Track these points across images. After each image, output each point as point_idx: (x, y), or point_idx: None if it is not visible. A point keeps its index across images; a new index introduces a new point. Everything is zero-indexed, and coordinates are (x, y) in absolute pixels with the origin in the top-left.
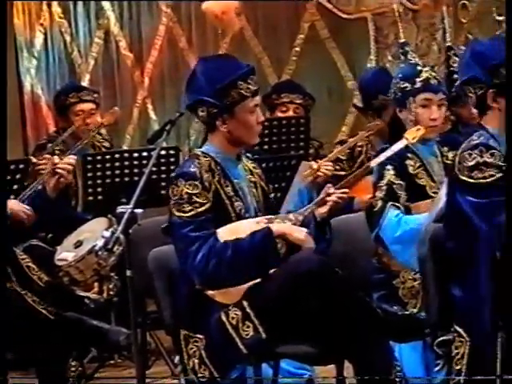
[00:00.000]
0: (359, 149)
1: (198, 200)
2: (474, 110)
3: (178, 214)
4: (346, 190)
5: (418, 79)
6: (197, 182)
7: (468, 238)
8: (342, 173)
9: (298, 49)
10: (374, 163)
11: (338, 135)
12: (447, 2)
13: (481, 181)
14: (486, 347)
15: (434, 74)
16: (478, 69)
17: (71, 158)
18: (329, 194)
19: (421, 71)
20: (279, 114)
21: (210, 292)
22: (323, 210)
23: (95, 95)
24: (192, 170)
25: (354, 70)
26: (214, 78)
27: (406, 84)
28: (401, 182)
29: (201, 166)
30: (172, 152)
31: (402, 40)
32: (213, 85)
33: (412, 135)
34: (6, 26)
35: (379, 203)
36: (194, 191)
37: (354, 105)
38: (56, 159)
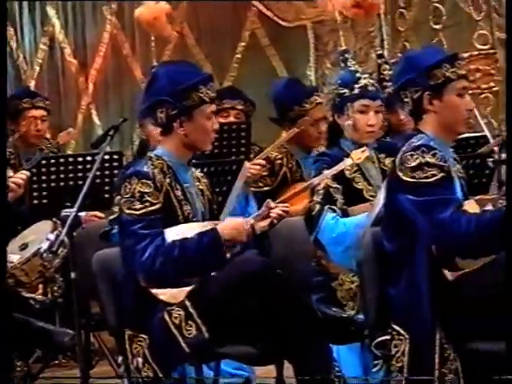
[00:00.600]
0: (279, 161)
1: (149, 199)
2: (403, 117)
3: (128, 211)
4: (287, 205)
5: (356, 86)
6: (149, 182)
7: (408, 236)
8: (266, 188)
9: (239, 56)
10: (317, 180)
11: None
12: (385, 11)
13: (423, 180)
14: (424, 343)
15: (372, 81)
16: (414, 73)
17: (24, 174)
18: (271, 208)
19: (359, 78)
20: (221, 120)
21: (153, 291)
22: (264, 223)
23: (47, 102)
24: (146, 169)
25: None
26: (175, 79)
27: (345, 90)
28: (338, 186)
29: (154, 167)
30: (115, 156)
31: (343, 47)
32: (174, 86)
33: (357, 156)
34: (6, 26)
35: (317, 207)
36: (146, 190)
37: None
38: (10, 172)
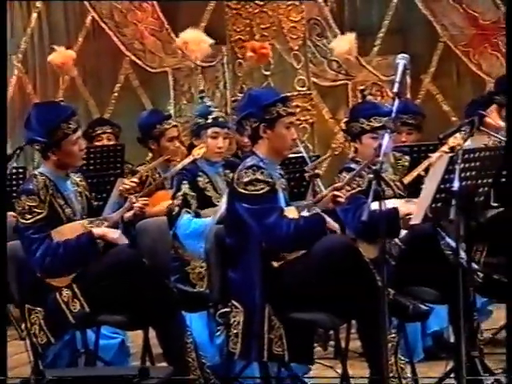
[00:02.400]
0: (146, 173)
1: (36, 210)
2: (246, 140)
3: (21, 221)
4: (146, 199)
5: (210, 117)
6: (35, 197)
7: (243, 234)
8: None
9: (116, 94)
10: (169, 174)
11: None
12: (227, 60)
13: (254, 192)
14: (256, 315)
15: (222, 113)
16: (254, 108)
17: None
18: (134, 203)
19: (212, 111)
20: (96, 143)
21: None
22: (128, 214)
23: None
24: (31, 187)
25: None
26: (43, 121)
27: (201, 120)
28: (193, 194)
29: (38, 183)
30: (21, 170)
31: (201, 88)
32: (42, 127)
33: (197, 151)
34: (6, 26)
35: (176, 209)
36: (33, 204)
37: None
38: None
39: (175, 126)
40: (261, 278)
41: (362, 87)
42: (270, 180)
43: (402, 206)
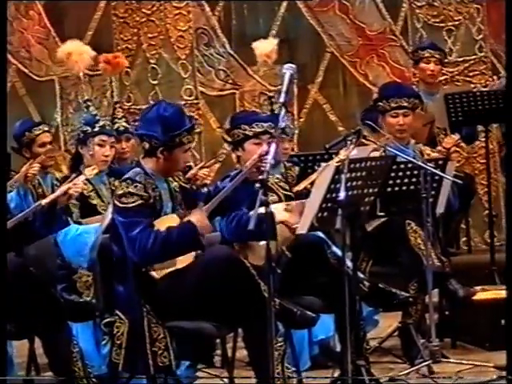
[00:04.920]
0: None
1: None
2: (124, 146)
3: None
4: None
5: (96, 125)
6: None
7: (122, 245)
8: None
9: None
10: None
11: None
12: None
13: (125, 206)
14: (136, 326)
15: (108, 122)
16: (159, 130)
17: None
18: None
19: (99, 120)
20: None
21: None
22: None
23: None
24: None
25: (45, 119)
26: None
27: (87, 128)
28: (75, 202)
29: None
30: None
31: (86, 97)
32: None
33: (89, 172)
34: (6, 26)
35: None
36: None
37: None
38: None
39: (46, 131)
40: (140, 290)
41: (270, 94)
42: (143, 194)
43: (279, 212)
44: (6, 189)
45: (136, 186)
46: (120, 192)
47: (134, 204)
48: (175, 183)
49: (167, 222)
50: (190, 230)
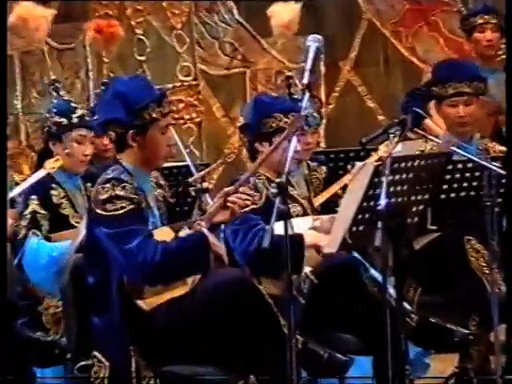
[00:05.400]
0: None
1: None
2: (106, 142)
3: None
4: None
5: (73, 115)
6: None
7: (103, 267)
8: None
9: None
10: (16, 193)
11: None
12: (91, 43)
13: (113, 213)
14: (122, 370)
15: (87, 111)
16: (121, 109)
17: None
18: None
19: (76, 108)
20: None
21: None
22: None
23: None
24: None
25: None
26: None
27: (63, 119)
28: (44, 212)
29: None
30: None
31: (53, 77)
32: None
33: (51, 165)
34: (6, 26)
35: (22, 231)
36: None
37: None
38: None
39: None
40: (126, 325)
41: (290, 73)
42: (133, 196)
43: (308, 233)
44: (6, 189)
45: (124, 187)
46: (103, 197)
47: (124, 210)
48: (160, 190)
49: (160, 236)
50: (199, 240)
